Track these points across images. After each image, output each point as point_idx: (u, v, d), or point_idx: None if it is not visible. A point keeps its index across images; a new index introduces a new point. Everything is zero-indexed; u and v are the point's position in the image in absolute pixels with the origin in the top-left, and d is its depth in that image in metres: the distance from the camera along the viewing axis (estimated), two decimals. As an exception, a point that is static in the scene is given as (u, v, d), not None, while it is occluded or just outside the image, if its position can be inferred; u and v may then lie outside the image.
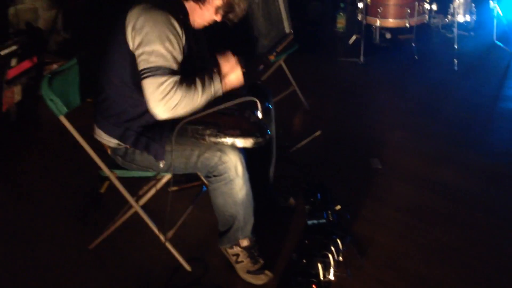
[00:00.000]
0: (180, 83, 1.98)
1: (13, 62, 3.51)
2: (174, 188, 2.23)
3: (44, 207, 2.94)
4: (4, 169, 3.33)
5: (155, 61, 1.95)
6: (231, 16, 2.17)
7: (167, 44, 1.97)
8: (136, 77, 2.02)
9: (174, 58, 2.00)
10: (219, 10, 2.15)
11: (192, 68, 2.12)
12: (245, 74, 2.17)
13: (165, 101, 1.95)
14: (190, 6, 2.15)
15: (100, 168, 2.29)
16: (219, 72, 2.13)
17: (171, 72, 1.97)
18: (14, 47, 3.46)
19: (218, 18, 2.18)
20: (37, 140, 3.71)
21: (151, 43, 1.95)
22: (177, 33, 2.01)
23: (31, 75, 3.78)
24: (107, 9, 5.15)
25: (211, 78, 2.09)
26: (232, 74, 2.16)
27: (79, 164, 3.09)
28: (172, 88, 1.95)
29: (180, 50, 2.03)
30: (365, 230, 2.70)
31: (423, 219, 2.78)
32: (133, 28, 1.98)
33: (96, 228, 2.62)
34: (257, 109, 2.11)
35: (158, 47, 1.95)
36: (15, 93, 3.65)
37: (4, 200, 3.01)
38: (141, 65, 1.97)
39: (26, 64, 3.68)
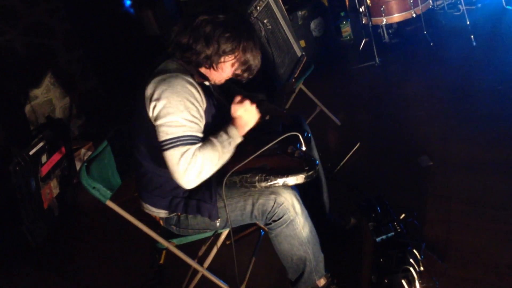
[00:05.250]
0: (199, 148, 1.91)
1: (44, 158, 3.53)
2: (233, 239, 2.17)
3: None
4: (60, 263, 3.31)
5: (174, 132, 1.89)
6: (246, 74, 2.10)
7: (186, 114, 1.91)
8: None
9: (195, 125, 1.94)
10: (235, 67, 2.08)
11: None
12: (260, 106, 2.09)
13: (189, 172, 1.87)
14: (205, 71, 2.10)
15: (156, 241, 2.24)
16: (233, 119, 2.07)
17: (191, 141, 1.91)
18: (41, 144, 3.48)
19: (238, 71, 2.12)
20: (85, 228, 3.70)
21: (170, 114, 1.90)
22: (196, 99, 1.96)
23: (63, 166, 3.79)
24: (119, 89, 5.25)
25: (226, 129, 2.02)
26: (245, 114, 2.06)
27: (131, 241, 3.05)
28: (193, 156, 1.88)
29: (200, 116, 1.98)
30: (437, 232, 2.58)
31: (494, 204, 2.65)
32: (151, 100, 1.93)
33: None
34: (299, 142, 2.04)
35: (176, 118, 1.90)
36: (53, 188, 3.66)
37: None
38: (161, 137, 1.91)
39: (56, 157, 3.70)
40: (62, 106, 5.01)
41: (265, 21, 3.29)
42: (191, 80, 1.97)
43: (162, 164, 2.04)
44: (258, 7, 3.23)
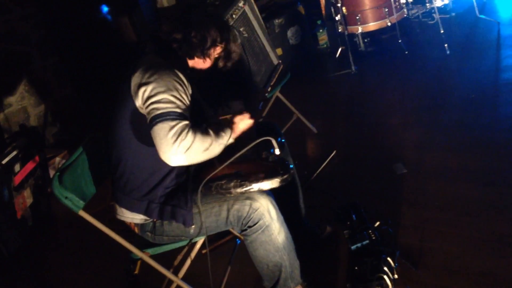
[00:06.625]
0: (192, 127, 1.92)
1: (17, 167, 3.48)
2: (208, 249, 2.16)
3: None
4: (34, 274, 3.26)
5: (164, 108, 1.90)
6: (228, 63, 2.25)
7: (175, 93, 1.94)
8: (148, 137, 1.94)
9: (184, 104, 1.96)
10: (218, 59, 2.23)
11: (201, 117, 2.15)
12: (253, 118, 2.16)
13: (178, 143, 1.85)
14: (194, 61, 2.20)
15: (130, 251, 2.21)
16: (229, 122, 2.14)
17: (181, 116, 1.92)
18: (14, 153, 3.43)
19: (221, 60, 2.26)
20: (59, 238, 3.65)
21: (159, 93, 1.92)
22: (183, 83, 2.00)
23: (37, 175, 3.74)
24: (95, 96, 5.21)
25: (221, 125, 2.07)
26: (241, 121, 2.15)
27: (106, 251, 3.02)
28: (183, 130, 1.87)
29: (188, 99, 2.00)
30: (411, 239, 2.59)
31: (467, 212, 2.68)
32: (140, 85, 1.96)
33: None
34: (272, 147, 2.04)
35: (166, 95, 1.92)
36: (26, 197, 3.61)
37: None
38: (151, 113, 1.91)
39: (30, 166, 3.64)
40: (37, 114, 4.94)
41: (241, 29, 3.30)
42: (176, 68, 2.04)
43: (141, 161, 2.07)
44: (234, 15, 3.23)
